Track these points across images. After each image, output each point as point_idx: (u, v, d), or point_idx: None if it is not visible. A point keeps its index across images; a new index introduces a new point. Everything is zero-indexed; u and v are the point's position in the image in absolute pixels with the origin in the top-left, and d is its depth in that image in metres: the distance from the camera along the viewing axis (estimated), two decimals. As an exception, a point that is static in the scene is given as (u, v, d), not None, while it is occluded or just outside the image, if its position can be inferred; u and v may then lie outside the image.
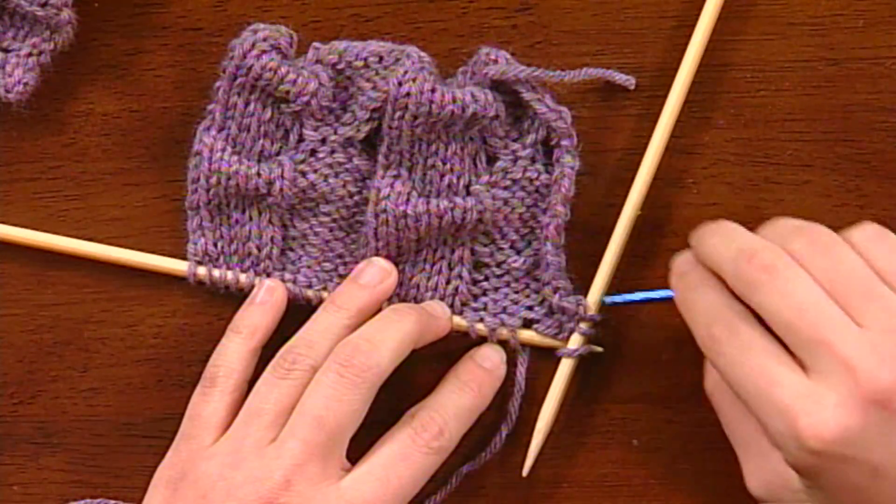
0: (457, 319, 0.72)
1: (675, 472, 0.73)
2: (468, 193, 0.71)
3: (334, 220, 0.73)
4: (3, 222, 0.74)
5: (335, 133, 0.72)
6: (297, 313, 0.71)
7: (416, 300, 0.73)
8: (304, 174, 0.72)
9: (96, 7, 0.74)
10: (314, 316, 0.70)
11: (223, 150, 0.72)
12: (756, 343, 0.61)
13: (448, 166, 0.71)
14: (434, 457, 0.68)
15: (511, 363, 0.72)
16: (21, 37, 0.73)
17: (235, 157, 0.72)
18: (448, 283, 0.72)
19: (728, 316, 0.62)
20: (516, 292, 0.73)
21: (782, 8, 0.72)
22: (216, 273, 0.73)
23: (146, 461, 0.71)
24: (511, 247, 0.73)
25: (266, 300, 0.72)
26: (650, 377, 0.73)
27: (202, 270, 0.73)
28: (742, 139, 0.72)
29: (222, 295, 0.74)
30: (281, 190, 0.72)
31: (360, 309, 0.70)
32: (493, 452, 0.73)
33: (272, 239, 0.73)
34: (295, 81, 0.70)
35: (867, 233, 0.62)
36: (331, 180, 0.72)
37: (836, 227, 0.71)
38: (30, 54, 0.72)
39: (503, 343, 0.73)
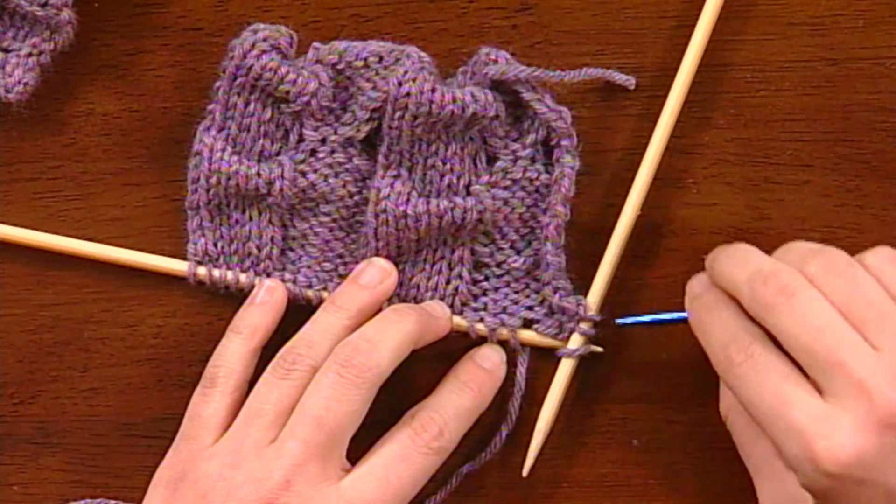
0: (457, 319, 0.72)
1: (675, 472, 0.73)
2: (468, 193, 0.71)
3: (334, 220, 0.73)
4: (3, 222, 0.74)
5: (335, 133, 0.72)
6: (297, 313, 0.71)
7: (416, 300, 0.73)
8: (304, 174, 0.72)
9: (96, 7, 0.74)
10: (314, 316, 0.70)
11: (223, 150, 0.72)
12: (772, 365, 0.61)
13: (448, 166, 0.71)
14: (434, 457, 0.68)
15: (511, 363, 0.72)
16: (21, 37, 0.73)
17: (235, 157, 0.72)
18: (448, 283, 0.72)
19: (744, 338, 0.62)
20: (516, 292, 0.73)
21: (782, 8, 0.72)
22: (216, 273, 0.73)
23: (146, 461, 0.71)
24: (511, 247, 0.73)
25: (266, 300, 0.72)
26: (650, 377, 0.73)
27: (202, 270, 0.73)
28: (742, 139, 0.72)
29: (222, 295, 0.74)
30: (281, 190, 0.72)
31: (360, 309, 0.70)
32: (493, 452, 0.73)
33: (272, 239, 0.73)
34: (295, 81, 0.70)
35: (881, 256, 0.63)
36: (331, 180, 0.72)
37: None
38: (30, 54, 0.72)
39: (503, 343, 0.73)
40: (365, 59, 0.71)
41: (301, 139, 0.72)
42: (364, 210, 0.72)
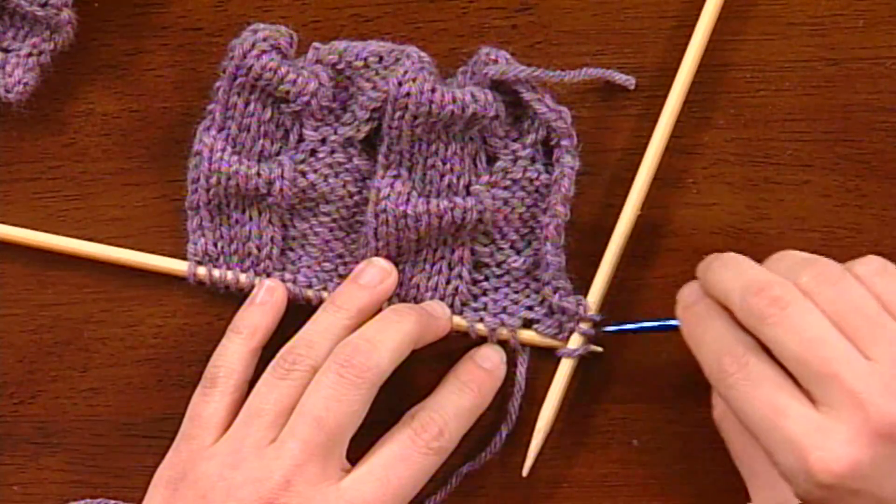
0: (457, 319, 0.72)
1: (675, 472, 0.73)
2: (468, 193, 0.71)
3: (334, 220, 0.73)
4: (3, 222, 0.74)
5: (335, 133, 0.72)
6: (297, 313, 0.71)
7: (416, 300, 0.73)
8: (304, 174, 0.72)
9: (96, 7, 0.74)
10: (314, 316, 0.70)
11: (223, 150, 0.71)
12: (766, 376, 0.61)
13: (448, 166, 0.71)
14: (434, 457, 0.68)
15: (511, 363, 0.72)
16: (21, 37, 0.73)
17: (235, 157, 0.72)
18: (448, 283, 0.72)
19: (737, 348, 0.63)
20: (516, 292, 0.73)
21: (782, 8, 0.72)
22: (216, 273, 0.73)
23: (146, 461, 0.71)
24: (511, 247, 0.73)
25: (266, 300, 0.72)
26: (650, 377, 0.73)
27: (202, 270, 0.73)
28: (742, 139, 0.72)
29: (222, 295, 0.74)
30: (281, 190, 0.72)
31: (360, 309, 0.70)
32: (493, 452, 0.73)
33: (272, 239, 0.73)
34: (295, 81, 0.70)
35: (872, 266, 0.63)
36: (331, 180, 0.72)
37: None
38: (30, 54, 0.72)
39: (503, 343, 0.73)
40: (365, 59, 0.71)
41: (301, 139, 0.72)
42: (364, 210, 0.72)
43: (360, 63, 0.71)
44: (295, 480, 0.66)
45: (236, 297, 0.73)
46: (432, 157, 0.71)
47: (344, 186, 0.72)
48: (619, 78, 0.72)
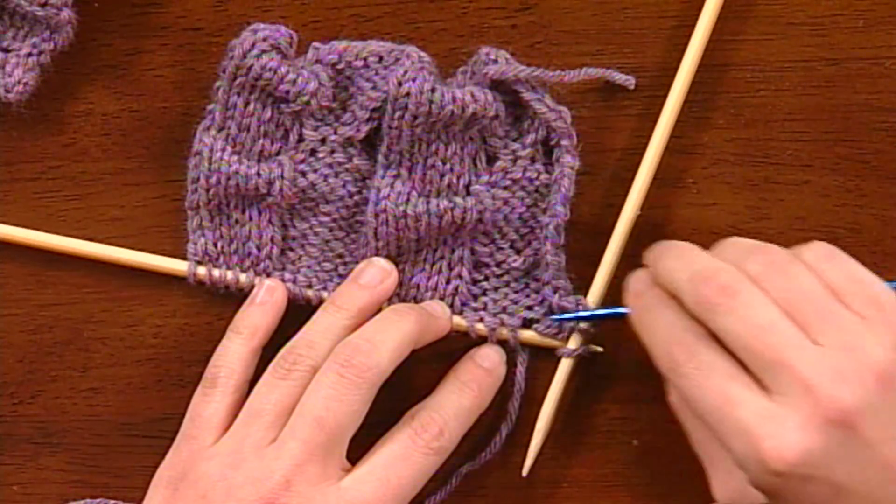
0: (457, 319, 0.72)
1: (675, 472, 0.73)
2: (468, 193, 0.71)
3: (334, 220, 0.73)
4: (3, 222, 0.74)
5: (335, 133, 0.72)
6: (297, 313, 0.71)
7: (416, 300, 0.73)
8: (304, 174, 0.72)
9: (96, 7, 0.74)
10: (314, 316, 0.70)
11: (223, 150, 0.71)
12: (716, 365, 0.61)
13: (448, 166, 0.71)
14: (434, 457, 0.68)
15: (511, 363, 0.72)
16: (21, 37, 0.73)
17: (235, 157, 0.72)
18: (448, 283, 0.72)
19: (687, 338, 0.62)
20: (516, 292, 0.73)
21: (782, 8, 0.72)
22: (216, 273, 0.73)
23: (146, 461, 0.71)
24: (511, 247, 0.73)
25: (266, 300, 0.72)
26: (650, 377, 0.72)
27: (202, 270, 0.73)
28: (742, 139, 0.72)
29: (222, 295, 0.74)
30: (281, 190, 0.72)
31: (360, 309, 0.70)
32: (493, 452, 0.73)
33: (272, 239, 0.73)
34: (295, 81, 0.70)
35: (819, 252, 0.63)
36: (331, 180, 0.72)
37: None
38: (30, 54, 0.72)
39: (503, 343, 0.73)
40: (365, 59, 0.71)
41: (301, 139, 0.72)
42: (364, 210, 0.72)
43: (360, 63, 0.71)
44: (295, 480, 0.66)
45: (236, 297, 0.73)
46: (432, 157, 0.71)
47: (344, 186, 0.72)
48: (619, 78, 0.72)
